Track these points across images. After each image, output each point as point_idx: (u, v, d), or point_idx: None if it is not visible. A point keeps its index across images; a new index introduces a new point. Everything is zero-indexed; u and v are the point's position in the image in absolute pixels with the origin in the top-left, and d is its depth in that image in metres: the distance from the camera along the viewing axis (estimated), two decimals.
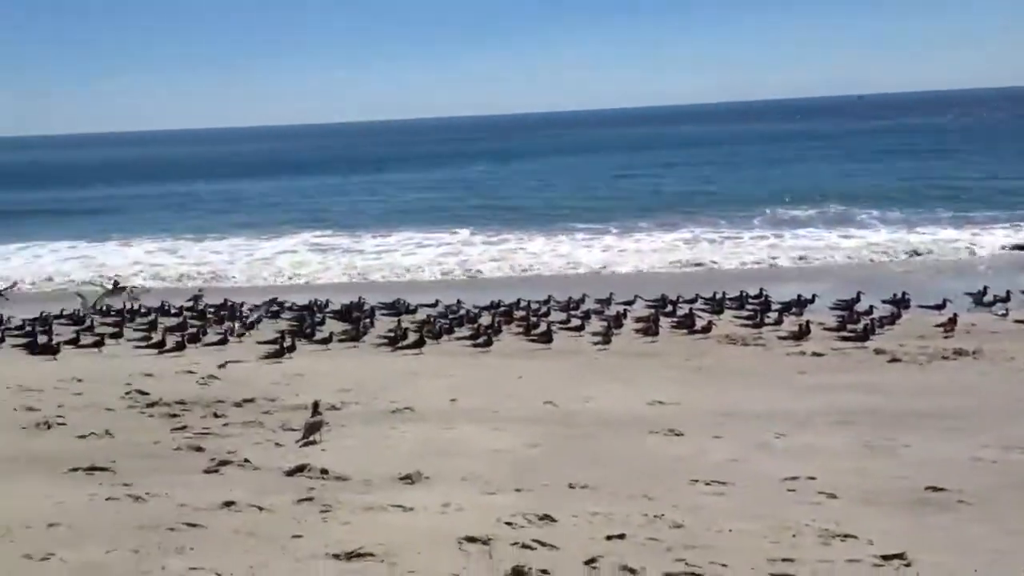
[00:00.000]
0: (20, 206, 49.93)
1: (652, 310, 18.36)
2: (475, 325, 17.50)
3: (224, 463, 8.92)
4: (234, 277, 27.77)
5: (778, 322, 17.05)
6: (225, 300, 20.93)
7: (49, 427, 10.55)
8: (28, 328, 18.37)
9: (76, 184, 68.40)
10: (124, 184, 66.37)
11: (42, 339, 16.85)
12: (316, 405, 10.26)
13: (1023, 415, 10.67)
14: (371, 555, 6.46)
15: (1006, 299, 17.92)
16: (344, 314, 19.25)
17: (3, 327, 18.54)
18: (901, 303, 17.70)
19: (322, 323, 18.36)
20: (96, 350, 16.37)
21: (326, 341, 16.46)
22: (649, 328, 16.68)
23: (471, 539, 6.86)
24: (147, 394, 12.31)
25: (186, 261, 30.72)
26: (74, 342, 16.83)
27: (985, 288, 18.50)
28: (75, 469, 8.59)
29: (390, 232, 35.16)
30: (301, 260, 30.02)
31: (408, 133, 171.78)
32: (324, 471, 8.65)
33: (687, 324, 17.06)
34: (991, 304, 17.82)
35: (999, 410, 10.91)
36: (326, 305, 20.25)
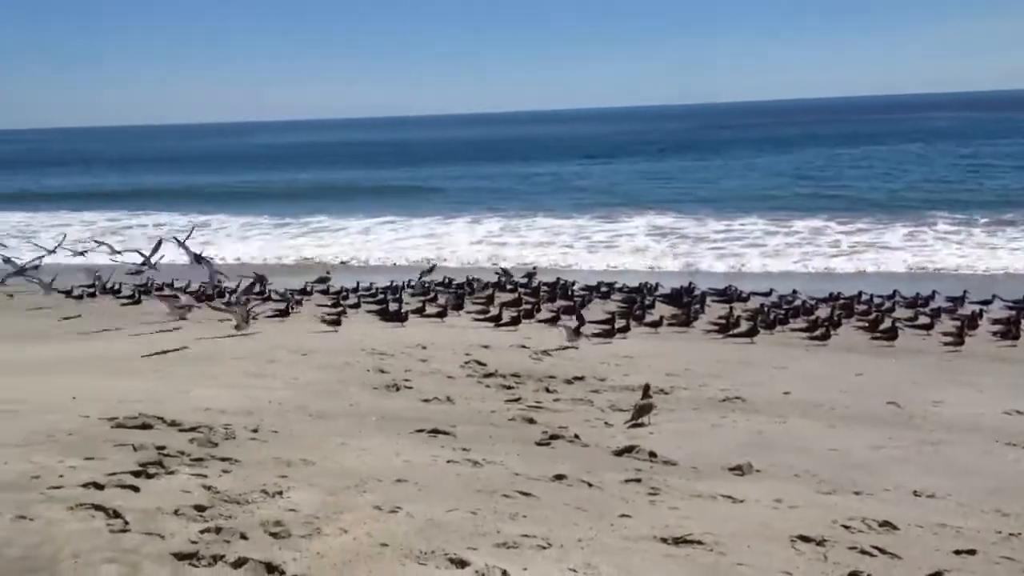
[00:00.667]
0: (397, 182, 54.74)
1: (1013, 311, 16.78)
2: (811, 317, 16.83)
3: (555, 437, 9.15)
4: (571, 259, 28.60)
5: None
6: (557, 279, 21.54)
7: (398, 389, 11.33)
8: (381, 296, 19.97)
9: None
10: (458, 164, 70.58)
11: (393, 307, 18.19)
12: (647, 388, 10.28)
13: None
14: (699, 543, 6.35)
15: None
16: (674, 298, 19.23)
17: (358, 293, 20.31)
18: None
19: (652, 306, 18.43)
20: (439, 320, 17.42)
21: (656, 324, 16.50)
22: (1008, 331, 15.28)
23: (804, 538, 6.57)
24: (484, 364, 12.91)
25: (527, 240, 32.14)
26: (419, 311, 18.02)
27: None
28: (420, 430, 9.14)
29: (733, 218, 34.81)
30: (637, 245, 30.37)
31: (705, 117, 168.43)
32: (652, 454, 8.65)
33: None
34: None
35: None
36: (656, 288, 20.32)
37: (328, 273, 23.67)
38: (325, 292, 20.92)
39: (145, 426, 8.57)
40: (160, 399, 9.89)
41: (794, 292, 19.44)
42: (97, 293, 21.78)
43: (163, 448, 7.78)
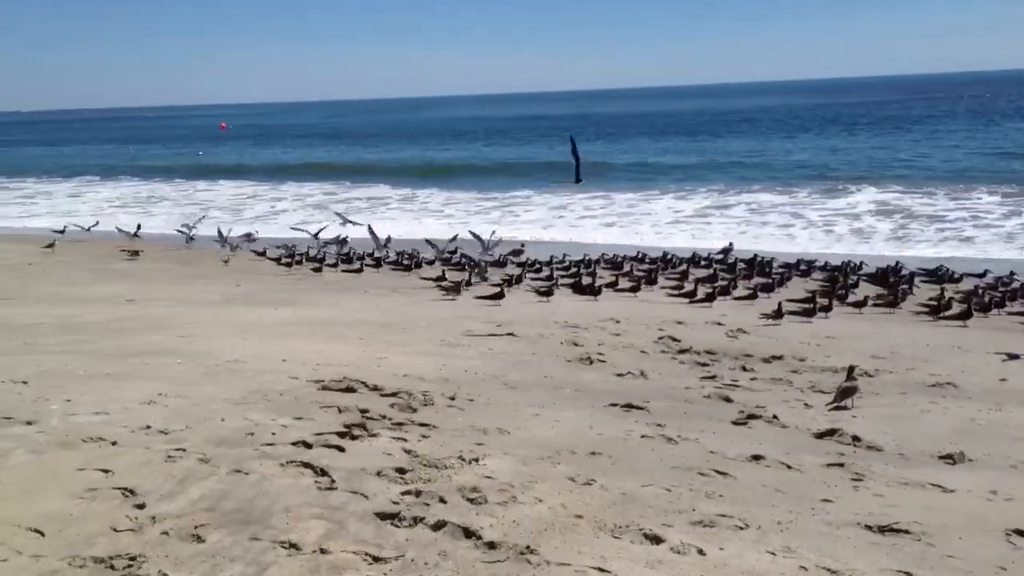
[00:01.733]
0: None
1: None
2: None
3: (752, 416, 8.94)
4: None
5: None
6: (755, 256, 21.03)
7: (591, 363, 11.34)
8: (574, 270, 20.09)
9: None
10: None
11: (586, 280, 18.23)
12: (851, 369, 9.87)
13: None
14: (907, 532, 6.07)
15: None
16: (880, 278, 18.43)
17: (551, 266, 20.51)
18: None
19: (855, 285, 17.72)
20: (632, 294, 17.33)
21: (860, 305, 15.85)
22: None
23: (1021, 532, 6.17)
24: (678, 341, 12.74)
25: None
26: (612, 285, 17.98)
27: None
28: (613, 404, 9.11)
29: (967, 191, 33.23)
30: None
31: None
32: (856, 438, 8.31)
33: None
34: None
35: None
36: (860, 267, 19.52)
37: (522, 245, 23.96)
38: (522, 265, 21.22)
39: (349, 389, 8.94)
40: (362, 364, 10.28)
41: (1011, 274, 18.25)
42: (303, 261, 22.86)
43: (366, 411, 8.09)
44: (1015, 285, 17.22)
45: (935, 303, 15.44)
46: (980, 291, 16.74)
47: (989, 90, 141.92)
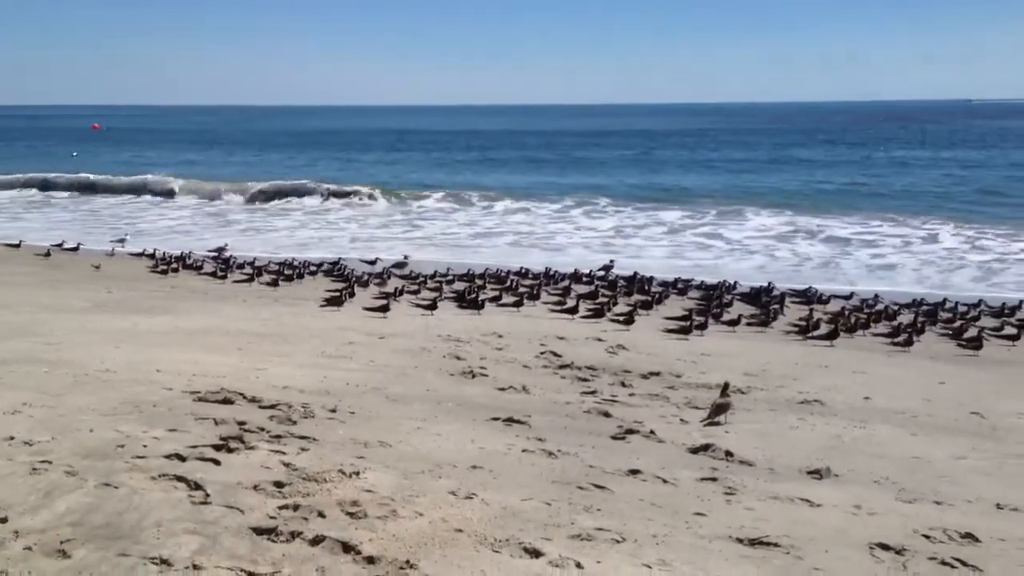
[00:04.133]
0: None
1: None
2: (894, 322, 16.48)
3: (630, 431, 9.10)
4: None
5: None
6: (635, 273, 21.43)
7: (474, 376, 11.37)
8: (458, 284, 20.12)
9: None
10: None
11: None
12: (726, 386, 10.16)
13: None
14: (776, 545, 6.26)
15: None
16: (753, 297, 19.00)
17: (436, 279, 20.48)
18: None
19: (729, 304, 18.22)
20: (515, 309, 17.45)
21: (734, 323, 16.30)
22: None
23: (884, 546, 6.43)
24: (560, 356, 12.89)
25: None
26: (495, 300, 18.07)
27: None
28: (495, 418, 9.15)
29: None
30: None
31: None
32: (729, 453, 8.55)
33: None
34: None
35: None
36: (734, 287, 20.09)
37: (406, 258, 23.87)
38: (407, 278, 21.14)
39: (226, 401, 8.74)
40: (240, 375, 10.07)
41: (876, 296, 19.07)
42: (180, 268, 22.29)
43: (244, 423, 7.93)
44: (879, 307, 17.99)
45: (804, 323, 16.01)
46: (847, 312, 17.42)
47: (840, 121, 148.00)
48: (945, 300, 18.45)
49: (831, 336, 15.25)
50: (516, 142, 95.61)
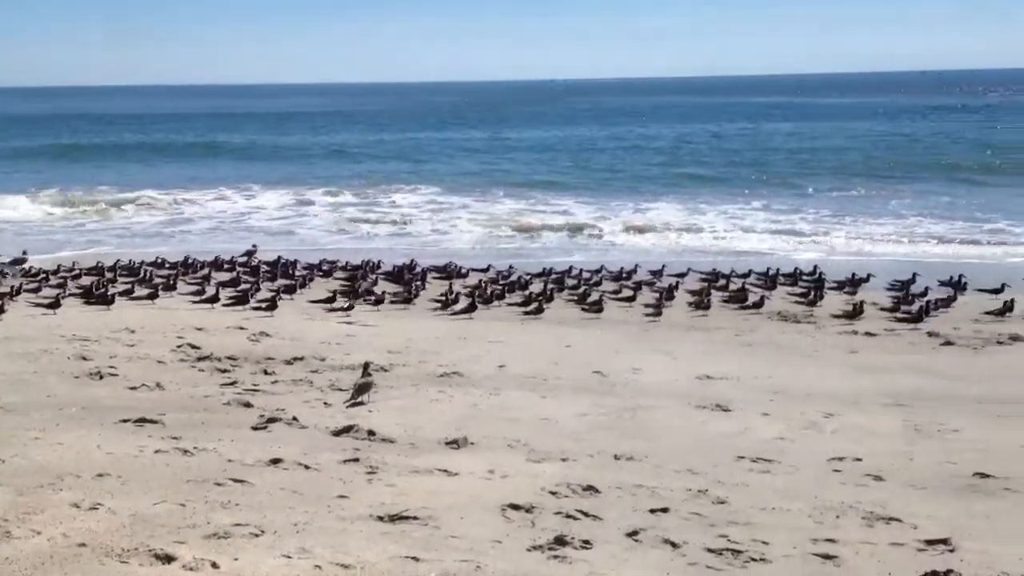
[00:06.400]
0: None
1: (704, 284, 18.17)
2: (526, 292, 17.46)
3: (272, 420, 9.01)
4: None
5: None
6: (278, 257, 21.10)
7: (101, 377, 10.73)
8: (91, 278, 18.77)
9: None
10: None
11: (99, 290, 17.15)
12: (367, 366, 10.32)
13: None
14: (414, 518, 6.49)
15: None
16: (396, 276, 19.34)
17: (60, 275, 18.96)
18: (958, 285, 17.31)
19: (374, 284, 18.44)
20: (150, 302, 16.62)
21: (378, 302, 16.53)
22: (701, 302, 16.52)
23: (515, 506, 6.87)
24: (198, 348, 12.46)
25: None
26: (127, 293, 17.10)
27: None
28: (125, 420, 8.72)
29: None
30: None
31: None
32: (371, 432, 8.71)
33: (739, 299, 16.88)
34: None
35: None
36: (378, 266, 20.34)
37: (24, 253, 21.90)
38: (27, 274, 19.36)
39: None
40: None
41: (510, 267, 20.09)
42: None
43: None
44: (513, 278, 18.97)
45: (444, 298, 16.58)
46: (483, 284, 18.21)
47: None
48: (571, 268, 19.79)
49: (469, 309, 15.90)
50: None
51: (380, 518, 6.49)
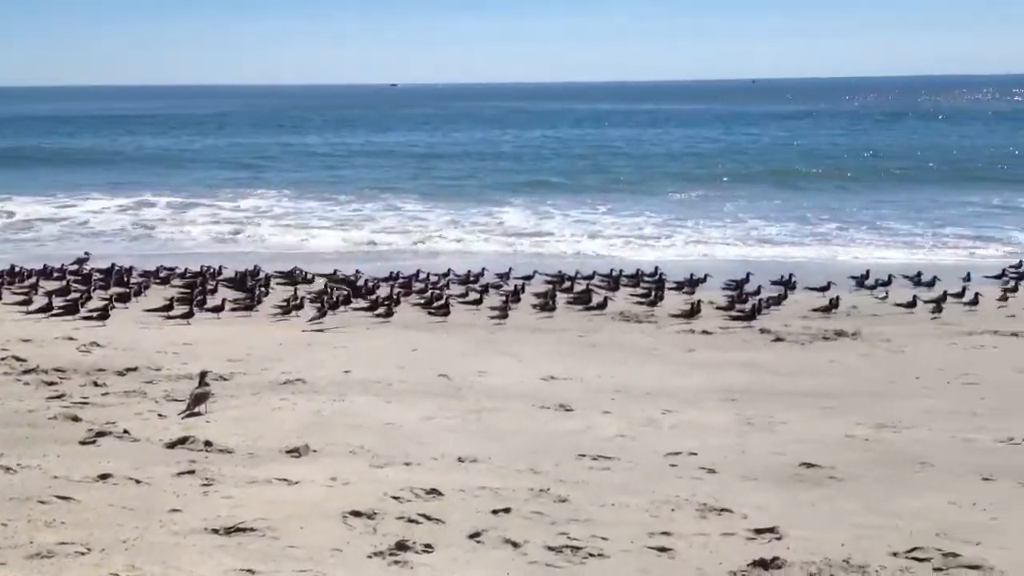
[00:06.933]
0: None
1: (550, 285, 18.43)
2: (373, 296, 17.33)
3: (102, 434, 8.64)
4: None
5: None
6: (112, 264, 20.30)
7: None
8: None
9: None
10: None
11: None
12: (203, 375, 10.03)
13: (895, 395, 11.04)
14: (252, 530, 6.36)
15: (887, 283, 18.53)
16: (238, 282, 18.87)
17: None
18: (788, 284, 18.13)
19: (214, 291, 17.96)
20: None
21: (218, 309, 16.09)
22: (546, 303, 16.75)
23: (356, 513, 6.81)
24: (23, 360, 11.84)
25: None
26: None
27: (867, 271, 19.17)
28: None
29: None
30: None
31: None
32: (208, 443, 8.46)
33: (583, 300, 17.20)
34: (872, 287, 18.43)
35: (873, 390, 11.29)
36: (219, 272, 19.82)
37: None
38: None
39: None
40: None
41: (357, 272, 19.90)
42: None
43: None
44: (359, 282, 18.80)
45: (287, 303, 16.28)
46: (329, 289, 17.97)
47: None
48: (419, 271, 19.75)
49: (321, 315, 15.71)
50: None
51: (216, 531, 6.32)
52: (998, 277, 19.33)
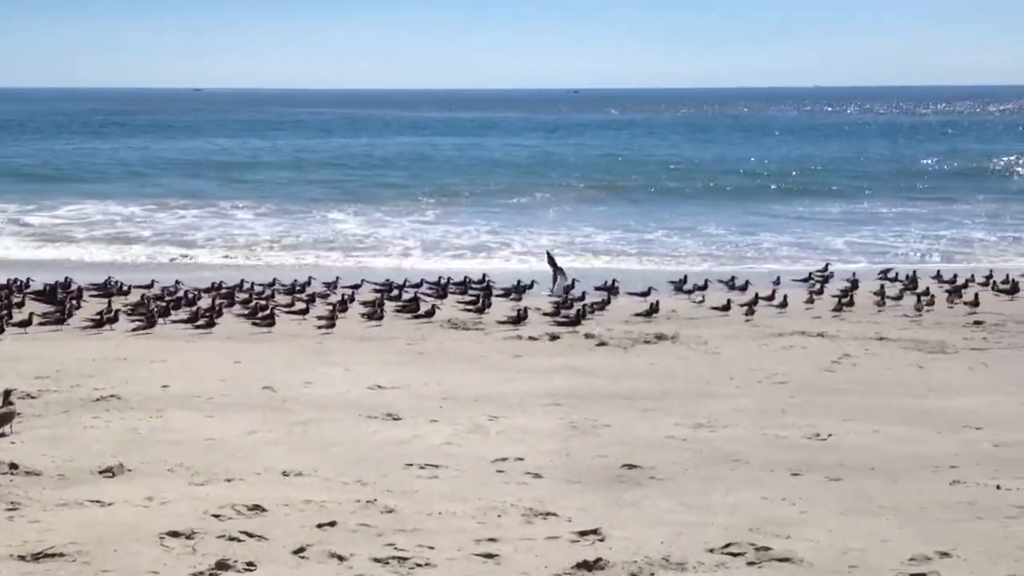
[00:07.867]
0: None
1: (378, 294, 18.33)
2: (194, 307, 16.80)
3: None
4: None
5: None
6: None
7: None
8: None
9: None
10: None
11: None
12: (7, 393, 9.47)
13: (711, 395, 11.51)
14: (62, 555, 6.07)
15: (703, 287, 19.34)
16: (48, 294, 17.93)
17: None
18: (611, 290, 18.65)
19: (21, 304, 17.00)
20: None
21: (25, 324, 15.24)
22: (374, 312, 16.65)
23: (174, 533, 6.60)
24: None
25: None
26: None
27: (685, 276, 19.94)
28: None
29: None
30: None
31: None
32: (13, 466, 8.00)
33: (412, 308, 17.18)
34: (690, 292, 19.17)
35: (691, 391, 11.74)
36: (27, 284, 18.78)
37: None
38: None
39: None
40: None
41: (176, 283, 19.25)
42: None
43: None
44: (180, 293, 18.17)
45: (100, 316, 15.58)
46: (147, 301, 17.30)
47: None
48: (243, 281, 19.25)
49: (149, 325, 15.17)
50: None
51: (22, 557, 6.02)
52: (805, 280, 20.44)
